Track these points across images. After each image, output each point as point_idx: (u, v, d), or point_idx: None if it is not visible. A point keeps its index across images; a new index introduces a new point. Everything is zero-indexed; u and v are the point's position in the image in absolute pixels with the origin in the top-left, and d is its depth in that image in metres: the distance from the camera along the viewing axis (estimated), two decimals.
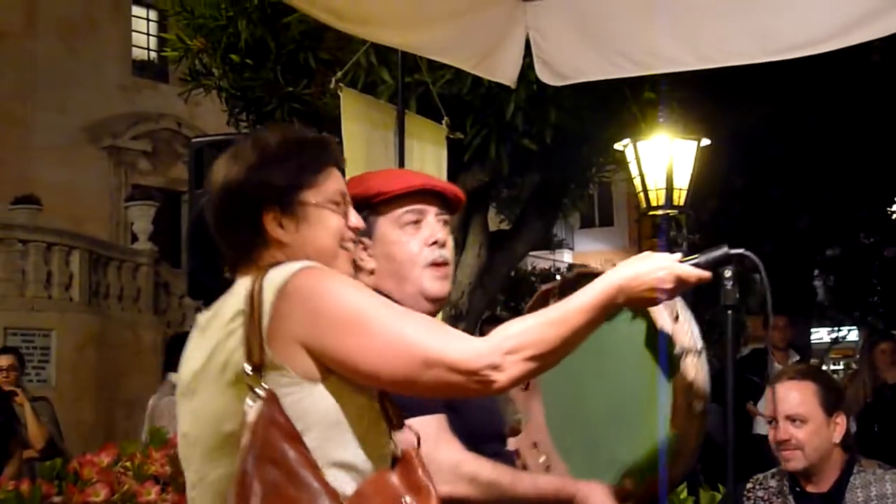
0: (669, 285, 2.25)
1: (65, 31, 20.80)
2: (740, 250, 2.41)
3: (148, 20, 22.78)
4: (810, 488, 3.42)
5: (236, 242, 2.17)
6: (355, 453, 2.01)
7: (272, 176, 2.14)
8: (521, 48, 4.76)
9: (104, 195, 21.27)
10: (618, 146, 8.12)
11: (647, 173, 7.92)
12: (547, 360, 2.07)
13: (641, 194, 8.02)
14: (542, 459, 2.84)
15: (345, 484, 1.97)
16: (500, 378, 1.99)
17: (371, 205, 2.57)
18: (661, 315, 2.51)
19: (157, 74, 22.44)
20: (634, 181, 8.07)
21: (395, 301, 2.46)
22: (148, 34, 22.87)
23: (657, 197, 7.92)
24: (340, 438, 1.99)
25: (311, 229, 2.15)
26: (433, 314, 2.61)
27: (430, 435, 2.35)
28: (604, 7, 4.56)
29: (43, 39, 20.50)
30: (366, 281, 2.53)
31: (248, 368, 1.96)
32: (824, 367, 24.55)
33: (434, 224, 2.62)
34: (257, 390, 1.94)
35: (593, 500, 2.49)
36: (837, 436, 3.40)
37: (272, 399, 1.94)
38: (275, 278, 2.02)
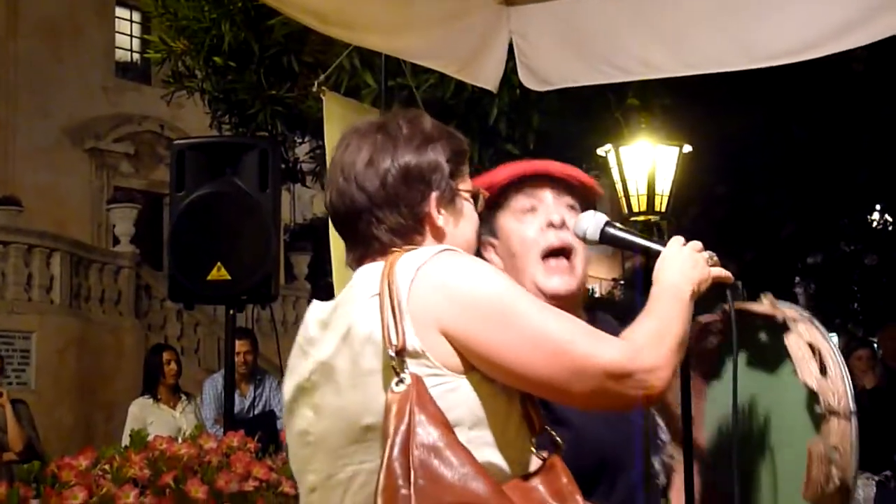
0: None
1: (47, 33, 20.72)
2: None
3: (131, 22, 22.71)
4: None
5: (393, 225, 2.01)
6: (497, 455, 1.85)
7: (439, 158, 2.04)
8: (504, 53, 4.76)
9: (86, 197, 21.19)
10: (600, 151, 8.15)
11: (628, 179, 7.94)
12: (681, 356, 1.96)
13: (623, 200, 8.04)
14: None
15: None
16: (657, 381, 1.86)
17: (489, 202, 2.33)
18: (807, 366, 2.29)
19: (140, 76, 22.37)
20: (616, 187, 8.09)
21: None
22: (131, 36, 22.80)
23: (639, 203, 7.94)
24: (483, 438, 1.83)
25: (461, 220, 2.07)
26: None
27: None
28: (588, 13, 4.56)
29: (25, 41, 20.42)
30: None
31: (391, 352, 1.80)
32: None
33: (552, 207, 2.43)
34: (402, 375, 1.79)
35: None
36: None
37: (418, 382, 1.79)
38: (412, 259, 1.89)
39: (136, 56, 22.68)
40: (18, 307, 15.15)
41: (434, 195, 2.02)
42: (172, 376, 7.89)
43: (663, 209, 7.98)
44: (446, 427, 1.78)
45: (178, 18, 8.34)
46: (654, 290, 2.08)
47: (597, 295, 25.67)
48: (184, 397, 7.98)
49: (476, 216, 2.11)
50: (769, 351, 2.45)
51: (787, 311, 2.42)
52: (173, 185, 5.55)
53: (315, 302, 2.05)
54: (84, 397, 15.57)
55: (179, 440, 4.07)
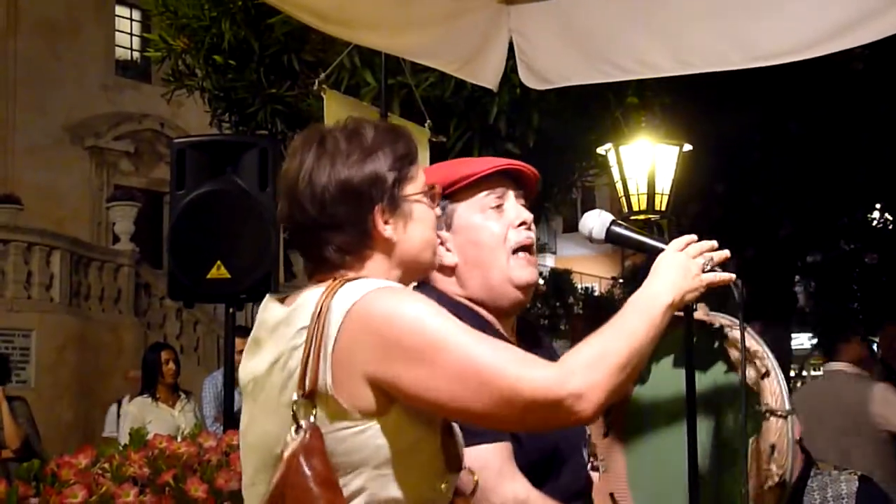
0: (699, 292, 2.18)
1: (47, 31, 20.72)
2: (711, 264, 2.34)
3: (131, 20, 22.71)
4: None
5: (339, 244, 2.00)
6: (400, 493, 1.88)
7: (379, 170, 2.01)
8: (504, 52, 4.76)
9: (86, 195, 21.19)
10: (600, 150, 8.14)
11: (628, 178, 7.93)
12: (623, 377, 1.91)
13: (623, 199, 8.03)
14: None
15: None
16: (586, 407, 1.83)
17: (447, 194, 2.39)
18: (750, 369, 2.40)
19: (140, 74, 22.38)
20: (616, 186, 8.08)
21: (483, 293, 2.40)
22: (131, 34, 22.81)
23: (639, 202, 7.93)
24: (387, 478, 1.86)
25: (412, 224, 2.04)
26: (523, 303, 2.48)
27: (494, 466, 2.19)
28: (588, 12, 4.56)
29: (25, 39, 20.42)
30: (446, 280, 2.40)
31: (296, 395, 1.84)
32: (805, 374, 24.65)
33: (517, 206, 2.47)
34: (302, 422, 1.83)
35: None
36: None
37: (315, 435, 1.82)
38: (346, 297, 1.87)
39: (135, 54, 22.69)
40: (18, 305, 15.16)
41: (377, 208, 2.00)
42: (171, 376, 7.88)
43: (663, 208, 7.97)
44: (328, 487, 1.80)
45: (178, 17, 8.34)
46: (631, 297, 2.08)
47: (597, 293, 25.72)
48: (183, 396, 7.97)
49: (431, 214, 2.09)
50: (706, 355, 2.57)
51: (722, 319, 2.56)
52: (173, 184, 5.55)
53: (271, 301, 2.04)
54: (83, 395, 15.58)
55: (178, 439, 4.07)
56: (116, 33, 22.60)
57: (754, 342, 2.47)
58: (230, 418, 5.66)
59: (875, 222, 15.91)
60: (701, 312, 2.56)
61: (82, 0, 21.49)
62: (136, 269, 17.25)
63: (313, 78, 5.18)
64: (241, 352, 7.07)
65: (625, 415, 2.80)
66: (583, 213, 2.49)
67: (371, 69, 7.01)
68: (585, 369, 1.85)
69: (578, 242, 30.54)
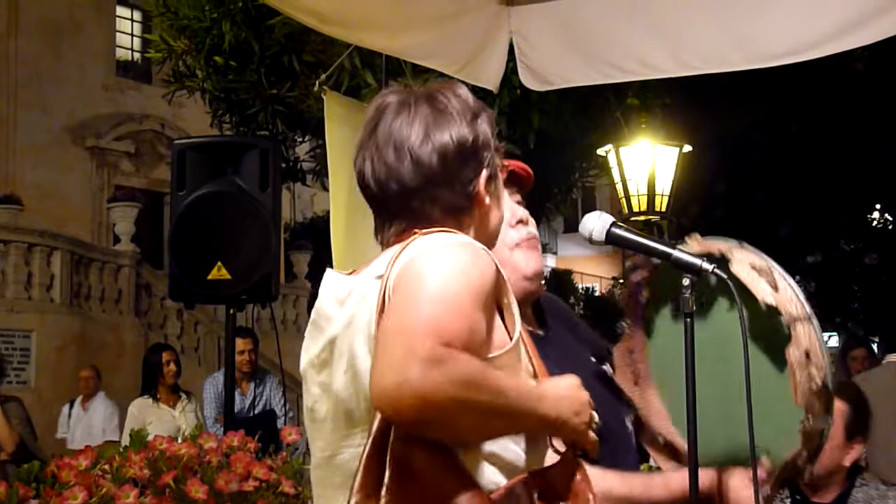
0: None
1: (48, 31, 20.72)
2: (712, 266, 2.34)
3: (132, 21, 22.71)
4: (814, 498, 3.41)
5: (446, 203, 1.93)
6: (509, 448, 1.80)
7: (487, 133, 1.97)
8: (504, 53, 4.77)
9: (86, 196, 21.18)
10: (600, 151, 8.16)
11: (629, 179, 7.95)
12: (456, 413, 1.62)
13: (623, 200, 8.05)
14: (662, 442, 2.72)
15: (495, 477, 1.78)
16: (406, 396, 1.59)
17: None
18: (760, 287, 2.40)
19: (141, 75, 22.37)
20: (616, 187, 8.10)
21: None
22: (132, 35, 22.80)
23: (639, 202, 7.95)
24: None
25: (499, 199, 2.03)
26: (535, 293, 2.50)
27: None
28: (588, 13, 4.57)
29: (26, 39, 20.41)
30: None
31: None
32: None
33: (512, 204, 2.49)
34: None
35: (733, 483, 2.39)
36: (849, 460, 3.41)
37: None
38: (419, 245, 1.81)
39: (136, 55, 22.68)
40: (18, 306, 15.15)
41: (485, 173, 1.97)
42: (171, 376, 7.88)
43: (663, 209, 7.99)
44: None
45: (178, 17, 8.35)
46: (536, 385, 1.86)
47: (597, 294, 25.74)
48: (183, 396, 7.98)
49: (506, 193, 2.08)
50: (716, 286, 2.54)
51: (719, 244, 2.53)
52: (174, 185, 5.55)
53: (331, 273, 1.98)
54: None
55: (179, 440, 4.07)
56: (117, 34, 22.59)
57: (758, 258, 2.47)
58: (231, 419, 5.66)
59: (875, 222, 15.94)
60: (694, 243, 2.54)
61: (83, 0, 21.49)
62: (136, 270, 17.24)
63: (314, 79, 5.19)
64: (241, 352, 7.06)
65: (648, 359, 2.80)
66: (583, 214, 2.51)
67: (372, 70, 7.02)
68: (442, 374, 1.59)
69: (579, 243, 30.53)
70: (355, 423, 1.84)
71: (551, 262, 31.21)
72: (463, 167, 1.94)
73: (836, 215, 14.62)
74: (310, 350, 1.96)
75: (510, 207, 2.46)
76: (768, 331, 2.45)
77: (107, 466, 3.63)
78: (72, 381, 15.43)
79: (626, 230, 2.45)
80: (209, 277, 5.35)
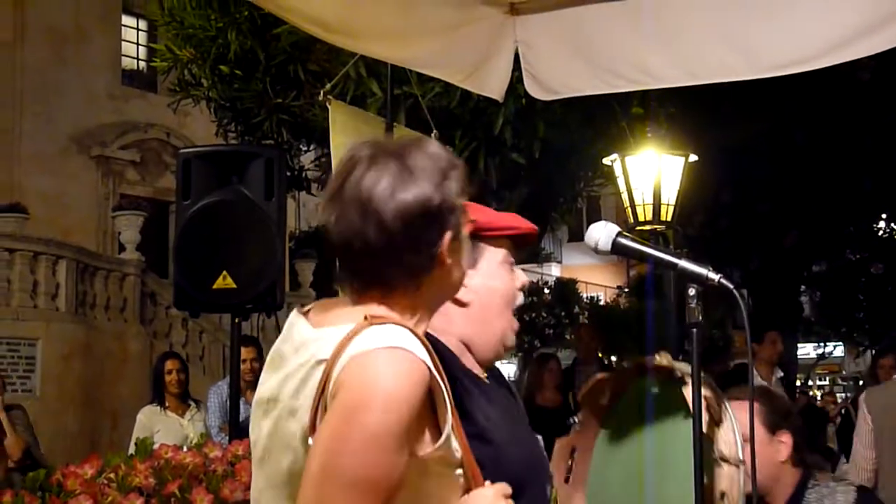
0: None
1: (54, 40, 20.77)
2: (719, 276, 2.35)
3: (137, 30, 22.77)
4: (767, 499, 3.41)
5: (410, 266, 1.94)
6: None
7: (452, 195, 1.96)
8: (509, 62, 4.76)
9: (92, 204, 21.22)
10: (606, 161, 8.16)
11: (634, 188, 7.95)
12: None
13: (629, 209, 8.04)
14: None
15: None
16: None
17: (481, 236, 2.38)
18: (705, 416, 2.42)
19: (146, 84, 22.41)
20: (622, 196, 8.10)
21: (476, 338, 2.39)
22: (137, 44, 22.86)
23: (644, 212, 7.94)
24: None
25: (461, 257, 2.02)
26: (491, 362, 2.48)
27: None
28: (594, 23, 4.56)
29: (32, 48, 20.47)
30: (450, 312, 2.32)
31: (310, 441, 1.84)
32: (811, 382, 24.58)
33: (518, 270, 2.51)
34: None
35: None
36: (782, 454, 3.37)
37: None
38: (360, 343, 1.84)
39: (142, 64, 22.73)
40: (24, 314, 15.16)
41: (448, 235, 1.95)
42: (175, 385, 7.88)
43: (669, 218, 7.98)
44: None
45: (184, 27, 8.36)
46: None
47: (602, 303, 25.70)
48: (192, 405, 7.97)
49: (468, 243, 2.07)
50: (664, 401, 2.62)
51: (683, 367, 2.60)
52: (179, 194, 5.55)
53: (296, 316, 2.03)
54: (89, 404, 15.57)
55: (185, 448, 4.07)
56: (123, 43, 22.64)
57: (710, 392, 2.50)
58: (236, 428, 5.66)
59: (881, 232, 15.91)
60: (664, 360, 2.60)
61: (89, 9, 21.53)
62: (141, 279, 17.25)
63: (319, 88, 5.19)
64: (244, 361, 7.05)
65: (588, 463, 2.83)
66: (588, 223, 2.53)
67: (377, 79, 7.02)
68: None
69: (583, 251, 30.51)
70: (286, 483, 1.92)
71: (556, 271, 31.18)
72: (426, 230, 1.93)
73: (842, 225, 14.60)
74: (263, 385, 2.02)
75: (520, 272, 2.46)
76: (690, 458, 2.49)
77: (112, 475, 3.63)
78: (77, 389, 15.46)
79: (632, 240, 2.47)
80: (214, 286, 5.35)
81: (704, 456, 2.37)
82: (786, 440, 3.39)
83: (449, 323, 2.35)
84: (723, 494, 2.37)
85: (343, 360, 1.83)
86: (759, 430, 3.33)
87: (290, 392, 1.92)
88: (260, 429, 2.01)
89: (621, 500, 2.69)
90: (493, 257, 2.42)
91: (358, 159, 1.97)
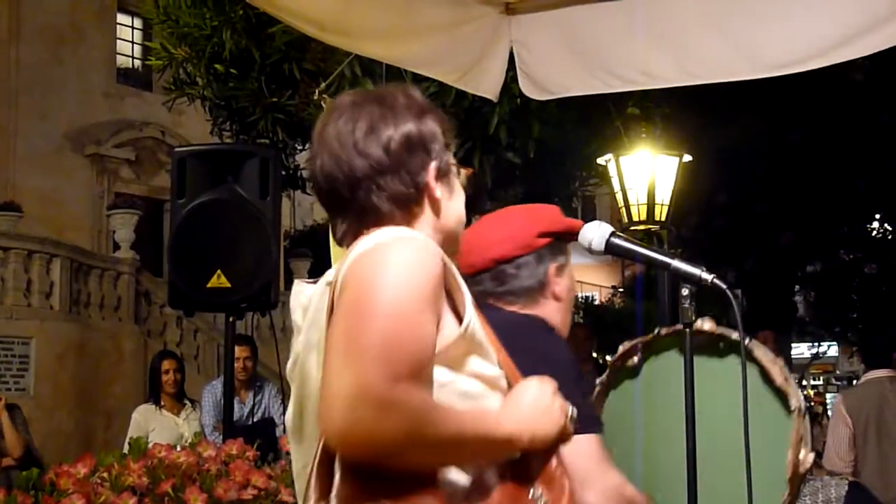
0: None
1: (49, 38, 20.73)
2: (712, 276, 2.36)
3: (133, 28, 22.72)
4: None
5: (393, 193, 1.94)
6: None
7: (436, 129, 2.02)
8: (504, 62, 4.76)
9: (86, 203, 21.18)
10: (600, 161, 8.15)
11: (629, 188, 7.94)
12: (413, 450, 1.66)
13: (623, 209, 8.04)
14: None
15: (456, 476, 1.77)
16: (347, 431, 1.64)
17: (569, 239, 2.63)
18: (776, 370, 2.61)
19: (142, 83, 22.37)
20: (616, 196, 8.09)
21: (564, 329, 2.61)
22: (132, 42, 22.81)
23: (639, 212, 7.94)
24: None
25: (454, 196, 2.06)
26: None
27: (595, 454, 2.34)
28: (589, 22, 4.56)
29: (27, 46, 20.43)
30: (556, 307, 2.59)
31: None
32: (805, 382, 24.58)
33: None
34: None
35: None
36: None
37: None
38: (364, 243, 1.83)
39: (137, 62, 22.69)
40: (18, 313, 15.14)
41: (433, 165, 1.99)
42: (171, 385, 7.87)
43: (663, 219, 7.97)
44: None
45: (179, 25, 8.35)
46: (492, 411, 1.85)
47: (597, 302, 25.71)
48: (188, 404, 7.96)
49: (463, 193, 2.09)
50: (702, 361, 2.69)
51: (728, 332, 2.76)
52: (174, 193, 5.55)
53: (297, 283, 2.03)
54: (83, 403, 15.55)
55: (179, 448, 4.06)
56: (118, 41, 22.60)
57: (771, 353, 2.69)
58: (230, 427, 5.65)
59: (875, 232, 15.94)
60: (709, 325, 2.70)
61: (84, 8, 21.49)
62: (136, 277, 17.22)
63: (314, 87, 5.19)
64: (240, 359, 7.05)
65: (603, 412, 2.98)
66: (583, 223, 2.54)
67: (372, 79, 7.02)
68: (393, 419, 1.62)
69: (578, 251, 30.38)
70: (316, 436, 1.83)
71: None
72: (410, 158, 1.96)
73: (836, 225, 14.63)
74: (289, 359, 2.01)
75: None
76: (769, 411, 2.66)
77: (105, 474, 3.62)
78: (71, 388, 15.44)
79: (626, 240, 2.48)
80: (209, 285, 5.34)
81: (780, 409, 2.59)
82: None
83: (556, 316, 2.58)
84: (801, 439, 2.54)
85: (348, 261, 1.82)
86: None
87: (306, 332, 1.92)
88: (292, 398, 1.98)
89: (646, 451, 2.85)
90: (571, 258, 2.64)
91: (337, 108, 2.04)
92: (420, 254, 1.80)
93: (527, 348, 2.22)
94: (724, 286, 2.34)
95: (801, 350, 23.13)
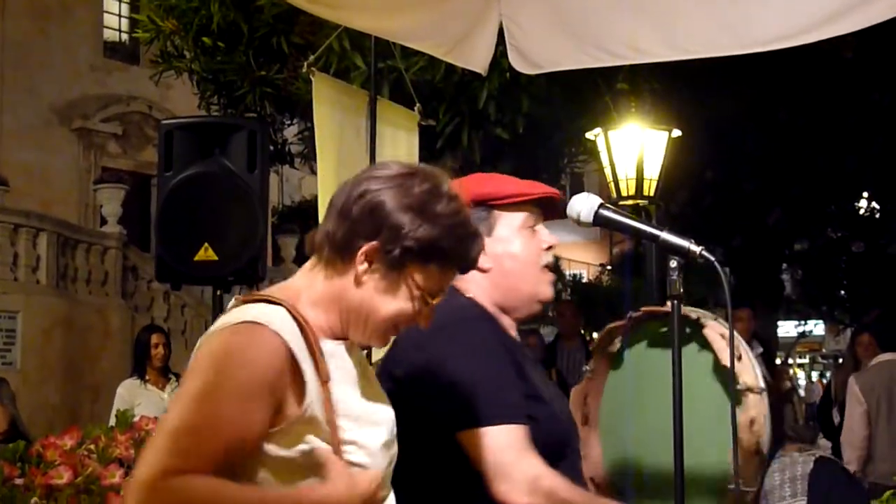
0: None
1: (35, 12, 20.58)
2: (700, 248, 2.35)
3: (120, 1, 22.58)
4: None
5: (328, 230, 2.06)
6: None
7: (413, 232, 2.01)
8: (494, 36, 4.74)
9: (73, 177, 21.10)
10: (589, 135, 8.14)
11: (617, 163, 7.93)
12: None
13: (612, 184, 8.03)
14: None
15: None
16: None
17: (494, 205, 2.56)
18: (724, 353, 2.53)
19: (129, 56, 22.25)
20: (605, 171, 8.08)
21: (506, 301, 2.55)
22: (119, 15, 22.67)
23: (627, 187, 7.94)
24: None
25: (386, 295, 2.05)
26: (540, 314, 2.69)
27: (513, 444, 2.30)
28: None
29: (13, 19, 20.29)
30: (477, 281, 2.51)
31: None
32: (790, 361, 24.68)
33: (545, 230, 2.64)
34: None
35: None
36: None
37: None
38: (217, 324, 2.00)
39: (124, 36, 22.55)
40: (4, 287, 15.09)
41: (375, 244, 2.00)
42: (160, 359, 7.86)
43: (652, 194, 7.97)
44: None
45: None
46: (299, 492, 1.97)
47: (584, 280, 25.75)
48: (173, 379, 7.95)
49: (409, 312, 2.06)
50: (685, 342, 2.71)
51: (697, 311, 2.80)
52: (161, 165, 5.53)
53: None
54: (70, 378, 15.54)
55: None
56: (104, 14, 22.45)
57: (727, 331, 2.58)
58: None
59: (862, 211, 15.96)
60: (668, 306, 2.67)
61: None
62: (123, 252, 17.18)
63: (302, 61, 5.15)
64: None
65: (601, 402, 2.98)
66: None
67: (361, 52, 6.99)
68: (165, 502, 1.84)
69: (567, 229, 30.35)
70: None
71: None
72: (361, 218, 2.02)
73: (824, 204, 14.64)
74: None
75: (546, 233, 2.61)
76: (723, 391, 2.65)
77: (92, 446, 3.62)
78: (58, 362, 15.42)
79: (615, 212, 2.47)
80: (196, 258, 5.33)
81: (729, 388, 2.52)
82: None
83: (480, 289, 2.53)
84: (752, 421, 2.51)
85: (199, 342, 1.99)
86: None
87: None
88: None
89: (634, 434, 2.85)
90: (510, 223, 2.56)
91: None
92: (254, 350, 1.93)
93: (441, 342, 2.30)
94: (712, 258, 2.33)
95: (787, 329, 23.20)
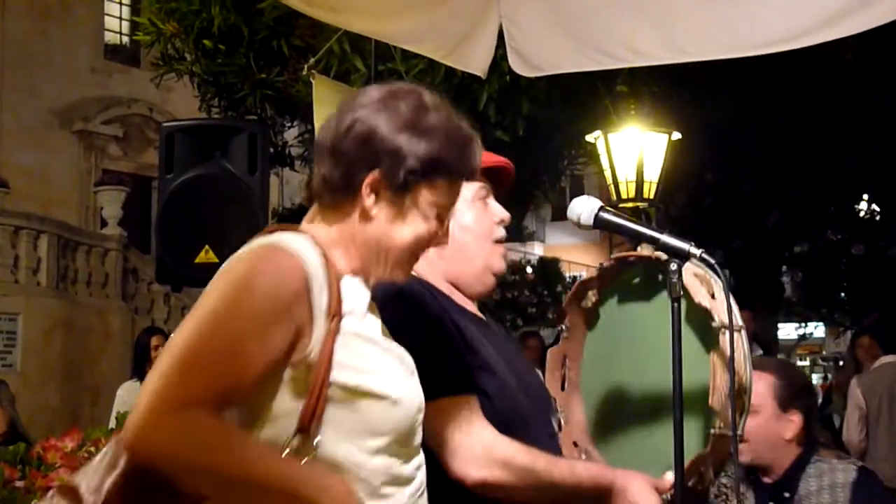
0: None
1: (36, 13, 20.60)
2: (701, 251, 2.35)
3: (121, 3, 22.59)
4: (765, 479, 3.40)
5: (325, 176, 1.98)
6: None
7: (411, 149, 1.95)
8: (493, 38, 4.74)
9: (74, 179, 21.11)
10: (589, 138, 8.14)
11: (617, 166, 7.94)
12: (190, 471, 1.75)
13: (612, 187, 8.04)
14: (582, 458, 2.78)
15: None
16: (147, 439, 1.72)
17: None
18: (699, 293, 2.49)
19: (129, 59, 22.26)
20: (605, 173, 8.09)
21: (459, 276, 2.53)
22: (120, 18, 22.69)
23: (627, 189, 7.95)
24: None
25: (399, 223, 1.98)
26: (492, 290, 2.62)
27: (461, 417, 2.25)
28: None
29: (14, 21, 20.30)
30: (431, 255, 2.37)
31: None
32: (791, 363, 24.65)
33: (496, 203, 2.62)
34: None
35: (632, 489, 2.35)
36: (790, 433, 3.34)
37: None
38: (240, 250, 1.92)
39: (125, 38, 22.57)
40: (5, 289, 15.09)
41: (377, 173, 1.94)
42: None
43: (652, 196, 7.98)
44: None
45: (167, 1, 8.30)
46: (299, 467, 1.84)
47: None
48: None
49: (425, 233, 2.01)
50: (651, 287, 2.71)
51: (663, 255, 2.65)
52: (162, 168, 5.54)
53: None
54: (70, 380, 15.54)
55: None
56: (106, 16, 22.47)
57: (700, 270, 2.55)
58: None
59: (862, 213, 15.94)
60: (645, 249, 2.65)
61: None
62: (123, 254, 17.19)
63: (303, 63, 5.16)
64: None
65: (580, 365, 2.92)
66: (571, 202, 2.54)
67: (361, 55, 6.98)
68: (173, 440, 1.72)
69: (567, 231, 30.48)
70: None
71: (539, 250, 31.17)
72: (357, 151, 1.96)
73: (824, 205, 14.62)
74: None
75: (497, 206, 2.60)
76: (701, 332, 2.57)
77: (93, 448, 3.62)
78: (58, 364, 15.42)
79: (614, 214, 2.48)
80: (196, 261, 5.34)
81: (706, 327, 2.49)
82: (795, 420, 3.35)
83: (430, 265, 2.47)
84: (730, 360, 2.42)
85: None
86: (770, 405, 3.32)
87: None
88: None
89: (616, 392, 2.80)
90: (462, 195, 2.44)
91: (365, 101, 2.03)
92: (274, 269, 1.84)
93: (393, 314, 2.19)
94: (711, 261, 2.34)
95: (787, 331, 23.18)
